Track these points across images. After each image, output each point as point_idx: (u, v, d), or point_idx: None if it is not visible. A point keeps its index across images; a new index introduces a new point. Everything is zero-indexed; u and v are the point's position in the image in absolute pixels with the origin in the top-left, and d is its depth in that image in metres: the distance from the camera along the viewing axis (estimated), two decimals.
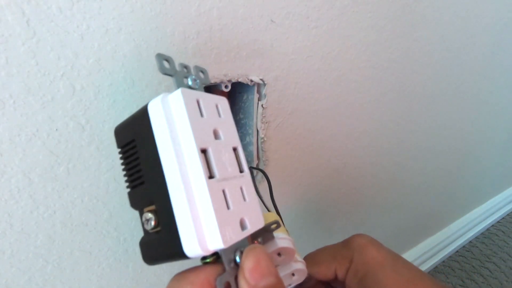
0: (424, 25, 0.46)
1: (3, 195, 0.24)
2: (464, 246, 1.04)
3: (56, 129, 0.24)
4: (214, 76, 0.29)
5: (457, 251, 1.02)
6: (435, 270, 0.95)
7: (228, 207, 0.17)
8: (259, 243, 0.23)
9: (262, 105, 0.34)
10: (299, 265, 0.28)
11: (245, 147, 0.38)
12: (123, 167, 0.19)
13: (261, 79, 0.32)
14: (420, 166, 0.67)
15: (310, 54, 0.35)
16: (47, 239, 0.27)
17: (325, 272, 0.30)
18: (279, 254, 0.25)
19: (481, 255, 1.01)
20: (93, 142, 0.26)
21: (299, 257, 0.28)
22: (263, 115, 0.34)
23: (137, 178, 0.18)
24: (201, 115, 0.18)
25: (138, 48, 0.25)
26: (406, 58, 0.47)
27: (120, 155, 0.19)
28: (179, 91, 0.17)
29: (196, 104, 0.18)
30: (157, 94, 0.27)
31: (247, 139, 0.37)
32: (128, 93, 0.26)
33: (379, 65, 0.43)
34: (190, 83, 0.20)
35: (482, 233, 1.10)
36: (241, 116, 0.37)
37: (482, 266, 0.97)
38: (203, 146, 0.17)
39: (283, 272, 0.27)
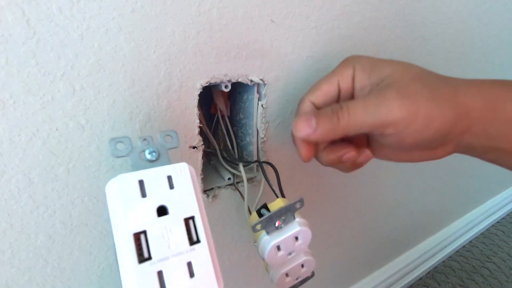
0: (424, 26, 0.46)
1: (3, 195, 0.24)
2: (464, 246, 1.04)
3: (56, 129, 0.24)
4: (214, 76, 0.29)
5: (457, 251, 1.02)
6: (435, 270, 0.95)
7: None
8: (281, 224, 0.25)
9: (262, 105, 0.34)
10: (309, 256, 0.28)
11: (245, 147, 0.38)
12: None
13: (261, 79, 0.32)
14: (420, 166, 0.67)
15: (310, 54, 0.35)
16: (47, 239, 0.27)
17: (327, 90, 0.28)
18: (296, 238, 0.26)
19: (481, 255, 1.01)
20: (93, 142, 0.26)
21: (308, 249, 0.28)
22: (263, 115, 0.34)
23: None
24: (143, 195, 0.18)
25: (138, 48, 0.25)
26: (406, 58, 0.47)
27: None
28: (115, 180, 0.18)
29: (137, 186, 0.18)
30: (157, 95, 0.27)
31: (247, 139, 0.37)
32: (128, 93, 0.26)
33: None
34: (147, 157, 0.21)
35: (482, 233, 1.10)
36: (241, 116, 0.37)
37: (482, 266, 0.97)
38: (138, 230, 0.17)
39: (293, 263, 0.27)
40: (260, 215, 0.26)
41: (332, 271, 0.65)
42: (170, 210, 0.19)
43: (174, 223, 0.18)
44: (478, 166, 0.89)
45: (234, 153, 0.37)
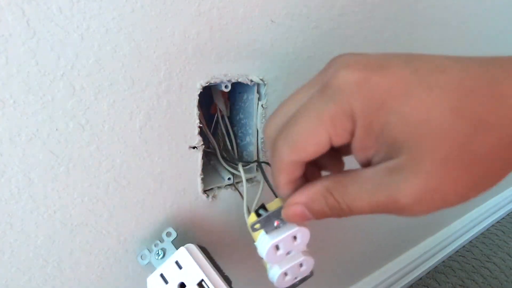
0: (424, 26, 0.46)
1: (3, 195, 0.24)
2: (464, 246, 1.04)
3: (56, 129, 0.24)
4: (214, 76, 0.29)
5: (457, 251, 1.02)
6: (435, 270, 0.95)
7: None
8: (280, 223, 0.25)
9: (262, 105, 0.34)
10: (308, 256, 0.28)
11: (245, 147, 0.38)
12: None
13: (261, 79, 0.32)
14: None
15: (310, 54, 0.35)
16: (47, 239, 0.27)
17: (314, 151, 0.19)
18: (294, 238, 0.26)
19: (481, 255, 1.01)
20: (93, 142, 0.26)
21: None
22: (263, 115, 0.34)
23: None
24: (166, 282, 0.28)
25: (138, 48, 0.25)
26: None
27: None
28: (148, 281, 0.28)
29: (160, 279, 0.28)
30: (157, 95, 0.27)
31: (247, 139, 0.37)
32: (128, 93, 0.26)
33: None
34: (158, 257, 0.30)
35: (482, 233, 1.10)
36: (241, 116, 0.37)
37: (482, 266, 0.97)
38: None
39: (292, 262, 0.28)
40: (258, 215, 0.27)
41: (332, 271, 0.65)
42: (186, 283, 0.27)
43: None
44: None
45: (234, 153, 0.37)
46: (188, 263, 0.28)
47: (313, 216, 0.22)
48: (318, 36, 0.35)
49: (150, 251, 0.31)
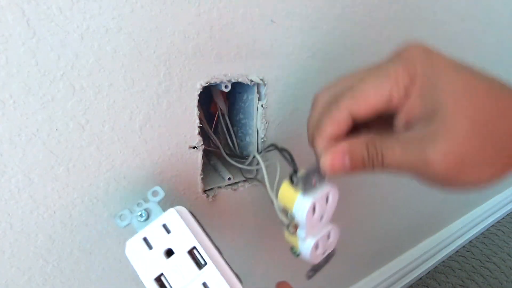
0: (424, 25, 0.46)
1: (3, 195, 0.24)
2: (464, 246, 1.04)
3: (56, 129, 0.24)
4: (214, 76, 0.29)
5: (457, 251, 1.02)
6: (435, 270, 0.95)
7: None
8: (316, 182, 0.25)
9: (262, 105, 0.34)
10: (334, 226, 0.28)
11: (245, 147, 0.38)
12: None
13: (261, 79, 0.32)
14: None
15: (310, 54, 0.35)
16: (47, 239, 0.27)
17: (376, 101, 0.21)
18: (327, 199, 0.26)
19: (481, 255, 1.02)
20: (93, 142, 0.26)
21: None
22: (263, 115, 0.34)
23: None
24: (150, 247, 0.23)
25: (138, 48, 0.25)
26: None
27: None
28: (126, 245, 0.24)
29: (143, 243, 0.24)
30: (157, 95, 0.27)
31: (247, 139, 0.37)
32: (128, 93, 0.26)
33: None
34: (141, 218, 0.26)
35: (482, 233, 1.10)
36: (241, 116, 0.37)
37: (482, 266, 0.97)
38: (156, 275, 0.23)
39: (321, 233, 0.27)
40: (292, 181, 0.26)
41: (332, 271, 0.65)
42: (174, 249, 0.23)
43: (181, 258, 0.23)
44: None
45: (236, 150, 0.37)
46: (179, 227, 0.24)
47: (350, 166, 0.22)
48: (318, 36, 0.35)
49: (131, 211, 0.26)
